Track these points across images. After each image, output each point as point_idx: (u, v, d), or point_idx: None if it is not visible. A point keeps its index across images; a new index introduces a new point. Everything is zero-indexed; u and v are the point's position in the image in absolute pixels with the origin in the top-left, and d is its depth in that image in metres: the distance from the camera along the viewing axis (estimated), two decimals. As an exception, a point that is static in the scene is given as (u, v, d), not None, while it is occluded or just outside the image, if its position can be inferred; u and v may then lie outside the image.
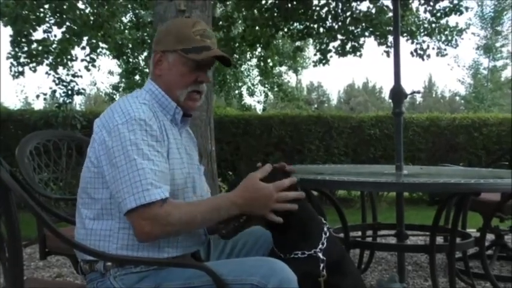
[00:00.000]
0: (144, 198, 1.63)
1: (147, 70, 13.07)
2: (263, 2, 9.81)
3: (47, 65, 10.40)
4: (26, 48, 9.96)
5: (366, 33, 10.33)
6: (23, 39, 9.70)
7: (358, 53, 10.50)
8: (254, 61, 16.93)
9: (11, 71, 10.29)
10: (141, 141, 1.70)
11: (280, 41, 15.64)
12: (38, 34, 10.02)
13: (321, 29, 10.21)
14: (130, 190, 1.65)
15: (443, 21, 10.82)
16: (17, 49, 9.98)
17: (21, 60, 10.16)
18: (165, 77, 1.90)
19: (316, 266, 1.78)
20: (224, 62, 1.97)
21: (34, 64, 10.22)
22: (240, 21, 11.24)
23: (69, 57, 10.46)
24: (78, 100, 38.01)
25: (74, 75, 10.70)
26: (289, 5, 9.50)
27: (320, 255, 1.80)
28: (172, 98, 1.89)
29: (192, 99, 1.91)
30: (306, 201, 1.93)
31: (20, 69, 10.29)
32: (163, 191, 1.67)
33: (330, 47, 10.62)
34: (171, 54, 1.88)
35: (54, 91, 10.51)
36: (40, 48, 10.06)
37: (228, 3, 10.80)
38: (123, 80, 16.01)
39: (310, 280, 1.74)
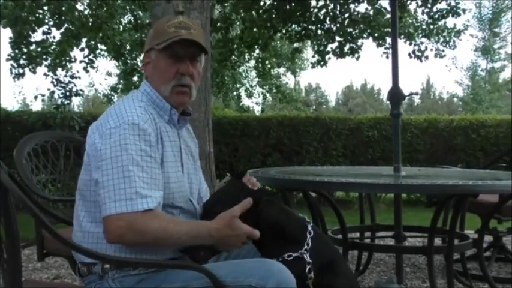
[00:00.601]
0: (126, 207, 1.62)
1: (145, 71, 13.06)
2: (261, 3, 9.81)
3: (45, 66, 10.41)
4: (25, 50, 9.96)
5: (364, 35, 10.34)
6: (23, 41, 9.71)
7: (356, 55, 10.51)
8: (252, 62, 16.92)
9: (11, 72, 10.30)
10: (132, 146, 1.68)
11: (278, 42, 15.65)
12: (37, 36, 10.04)
13: (319, 31, 10.21)
14: (112, 196, 1.64)
15: (441, 23, 10.83)
16: (16, 51, 9.98)
17: (21, 61, 10.16)
18: (152, 76, 1.91)
19: (303, 268, 1.77)
20: (204, 50, 1.92)
21: (33, 65, 10.22)
22: (238, 23, 11.24)
23: (67, 58, 10.46)
24: (76, 101, 37.97)
25: (72, 77, 10.70)
26: (287, 7, 9.50)
27: (306, 256, 1.80)
28: (161, 96, 1.87)
29: (178, 92, 1.87)
30: (283, 205, 1.94)
31: (21, 70, 10.30)
32: (149, 201, 1.65)
33: (328, 48, 10.62)
34: (152, 52, 1.89)
35: (53, 92, 10.51)
36: (39, 49, 10.06)
37: (226, 4, 10.80)
38: (121, 81, 15.99)
39: (300, 282, 1.73)
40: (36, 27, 9.62)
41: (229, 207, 1.75)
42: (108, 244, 1.72)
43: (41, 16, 9.66)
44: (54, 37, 10.20)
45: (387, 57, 10.50)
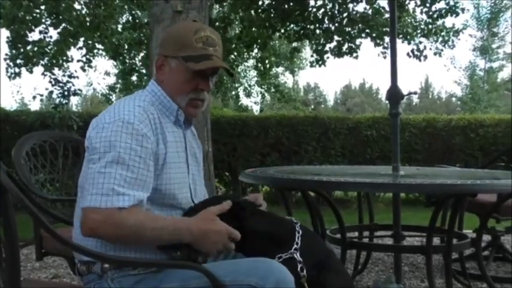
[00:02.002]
0: (100, 202, 1.62)
1: (143, 71, 13.05)
2: (260, 3, 9.81)
3: (42, 65, 10.39)
4: (22, 50, 9.94)
5: (363, 35, 10.34)
6: (20, 41, 9.69)
7: (354, 54, 10.52)
8: (251, 62, 16.92)
9: (7, 72, 10.29)
10: (121, 144, 1.68)
11: (277, 42, 15.65)
12: (34, 35, 10.03)
13: (318, 30, 10.21)
14: (90, 189, 1.64)
15: (439, 22, 10.83)
16: (14, 50, 9.97)
17: (18, 61, 10.15)
18: (167, 82, 1.89)
19: (295, 267, 1.76)
20: (227, 70, 1.94)
21: (30, 65, 10.21)
22: (236, 22, 11.24)
23: (64, 58, 10.44)
24: (74, 101, 37.98)
25: (70, 76, 10.69)
26: (286, 6, 9.50)
27: (297, 255, 1.79)
28: (170, 97, 1.88)
29: (193, 106, 1.90)
30: (265, 211, 1.95)
31: (17, 70, 10.28)
32: (126, 199, 1.63)
33: (327, 48, 10.62)
34: (173, 60, 1.87)
35: (51, 92, 10.50)
36: (36, 49, 10.05)
37: (224, 4, 10.80)
38: (120, 80, 15.97)
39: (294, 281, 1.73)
40: (33, 27, 9.60)
41: None
42: (108, 243, 1.72)
43: (38, 16, 9.64)
44: (51, 37, 10.19)
45: (384, 57, 10.52)
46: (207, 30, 1.90)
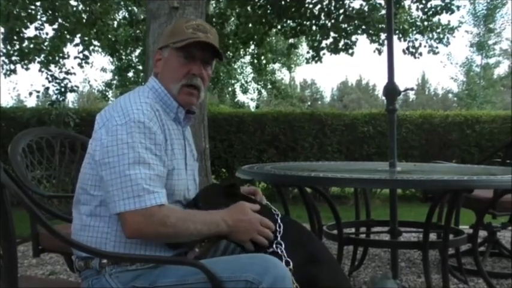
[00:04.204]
0: (134, 204, 1.63)
1: (140, 67, 13.04)
2: (256, -1, 9.82)
3: (38, 62, 10.35)
4: (17, 46, 9.91)
5: (359, 31, 10.35)
6: (15, 37, 9.65)
7: (350, 51, 10.52)
8: (247, 58, 16.91)
9: (2, 69, 10.25)
10: (138, 144, 1.69)
11: (273, 38, 15.63)
12: (30, 31, 9.99)
13: (314, 27, 10.22)
14: (120, 194, 1.65)
15: (435, 19, 10.85)
16: (9, 47, 9.93)
17: (13, 58, 10.11)
18: (162, 72, 1.92)
19: (281, 255, 1.78)
20: (218, 56, 1.94)
21: (26, 62, 10.17)
22: (233, 19, 11.23)
23: (61, 54, 10.41)
24: (70, 97, 37.92)
25: (67, 73, 10.66)
26: (283, 2, 9.50)
27: (281, 249, 1.81)
28: (170, 93, 1.89)
29: (186, 93, 1.89)
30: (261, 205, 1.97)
31: (12, 67, 10.25)
32: (158, 196, 1.66)
33: (323, 44, 10.63)
34: (166, 49, 1.91)
35: (48, 88, 10.47)
36: (32, 45, 10.01)
37: (221, 0, 10.79)
38: (116, 77, 15.94)
39: None
40: (28, 23, 9.56)
41: (213, 205, 1.82)
42: (108, 239, 1.73)
43: (33, 12, 9.60)
44: (47, 33, 10.16)
45: (379, 53, 10.53)
46: (199, 20, 1.95)
